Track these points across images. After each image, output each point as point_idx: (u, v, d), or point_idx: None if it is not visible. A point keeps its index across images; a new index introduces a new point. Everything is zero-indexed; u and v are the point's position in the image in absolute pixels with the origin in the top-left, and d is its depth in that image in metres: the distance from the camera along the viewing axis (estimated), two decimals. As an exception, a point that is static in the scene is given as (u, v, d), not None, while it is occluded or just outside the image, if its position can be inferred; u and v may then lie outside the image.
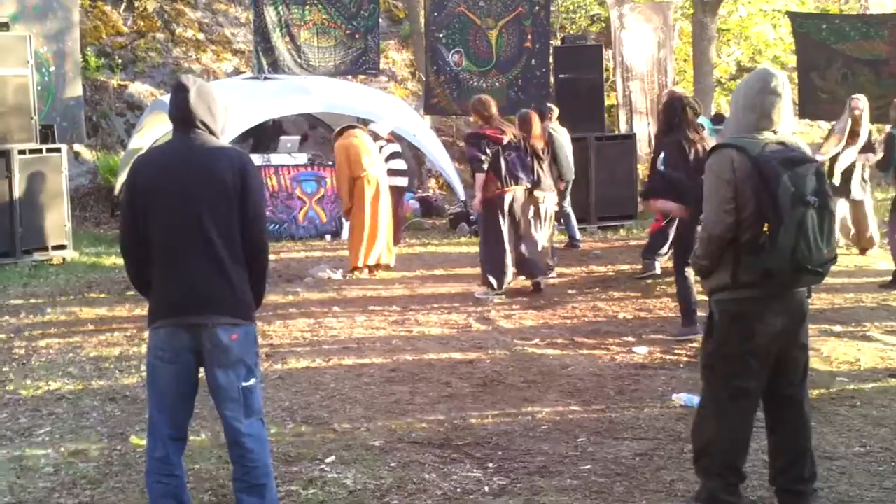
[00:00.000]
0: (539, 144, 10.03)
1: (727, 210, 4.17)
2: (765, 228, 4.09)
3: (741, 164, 4.15)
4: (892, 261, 9.81)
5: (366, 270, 10.87)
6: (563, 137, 12.05)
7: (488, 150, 9.38)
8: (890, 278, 9.71)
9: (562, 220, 12.37)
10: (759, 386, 4.32)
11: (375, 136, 12.66)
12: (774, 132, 4.25)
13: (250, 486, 4.08)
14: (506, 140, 9.46)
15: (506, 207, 9.46)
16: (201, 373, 4.08)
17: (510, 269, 9.58)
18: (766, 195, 4.06)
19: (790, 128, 4.38)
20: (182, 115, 4.04)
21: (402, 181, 12.61)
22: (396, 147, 12.77)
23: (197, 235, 3.95)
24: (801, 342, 4.37)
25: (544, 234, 9.99)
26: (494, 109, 9.69)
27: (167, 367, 3.99)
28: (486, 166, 9.41)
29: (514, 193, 9.50)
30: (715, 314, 4.37)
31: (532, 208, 9.80)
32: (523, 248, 9.65)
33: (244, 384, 4.03)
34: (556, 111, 12.22)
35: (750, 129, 4.26)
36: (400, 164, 12.66)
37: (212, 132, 4.10)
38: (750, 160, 4.12)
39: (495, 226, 9.50)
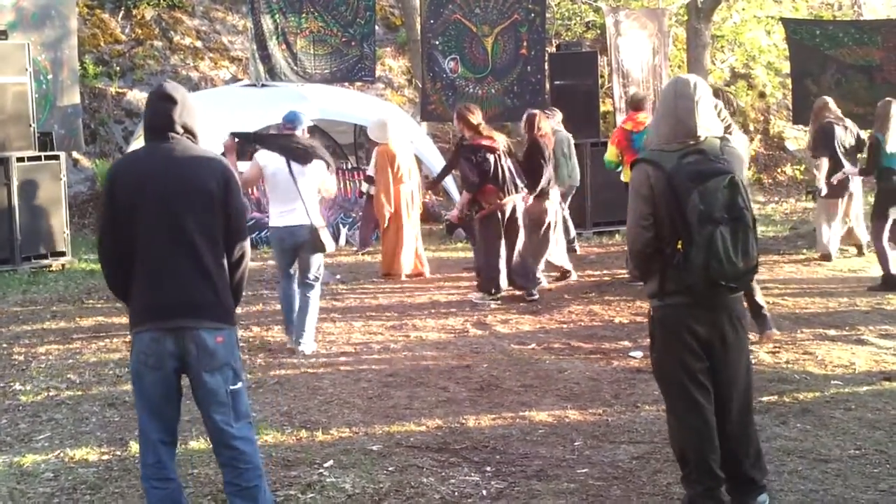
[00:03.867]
0: (550, 145, 10.08)
1: (644, 226, 4.19)
2: (678, 246, 4.12)
3: (657, 179, 4.15)
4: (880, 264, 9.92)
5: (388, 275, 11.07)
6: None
7: (485, 164, 9.35)
8: (880, 282, 9.79)
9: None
10: (707, 386, 4.30)
11: (373, 143, 12.70)
12: (696, 139, 4.24)
13: (242, 489, 4.10)
14: (501, 147, 9.48)
15: (506, 217, 9.50)
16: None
17: (504, 278, 9.65)
18: (678, 213, 4.07)
19: (713, 131, 4.31)
20: (164, 122, 4.08)
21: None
22: None
23: (181, 241, 3.99)
24: (734, 351, 4.33)
25: (559, 238, 10.08)
26: (480, 116, 9.68)
27: (153, 373, 4.00)
28: (476, 187, 9.45)
29: (515, 202, 9.55)
30: (652, 322, 4.44)
31: (538, 215, 9.85)
32: (517, 258, 9.69)
33: (232, 387, 4.07)
34: (558, 114, 12.26)
35: (668, 139, 4.26)
36: None
37: (194, 138, 4.16)
38: (664, 175, 4.12)
39: (493, 238, 9.55)
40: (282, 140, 7.73)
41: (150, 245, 3.98)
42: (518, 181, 9.54)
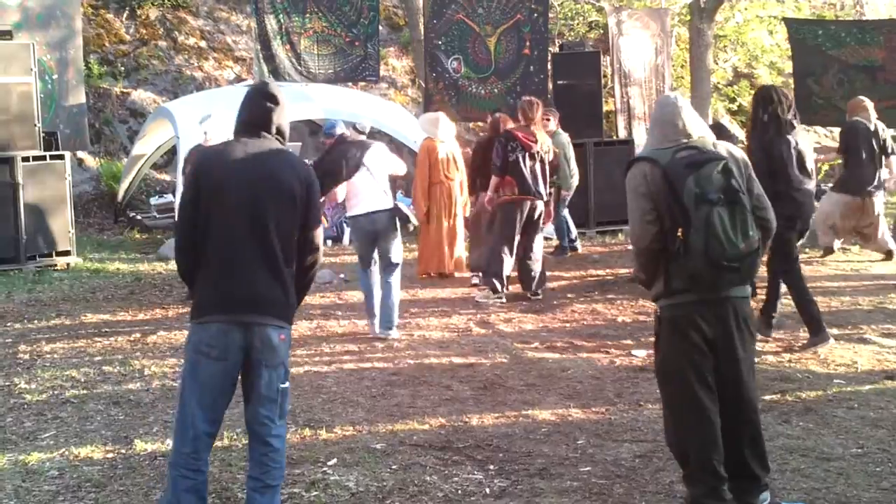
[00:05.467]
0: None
1: (649, 221, 4.28)
2: (679, 234, 4.19)
3: (653, 175, 4.26)
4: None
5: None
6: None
7: (511, 154, 9.36)
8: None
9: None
10: (710, 385, 4.34)
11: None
12: (688, 137, 4.33)
13: (265, 486, 4.13)
14: (535, 149, 9.45)
15: (521, 216, 9.50)
16: None
17: (507, 275, 9.66)
18: (675, 201, 4.17)
19: (703, 134, 4.42)
20: (263, 121, 4.17)
21: None
22: None
23: (258, 236, 4.03)
24: (740, 351, 4.35)
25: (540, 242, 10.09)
26: (539, 115, 9.68)
27: (214, 364, 4.01)
28: (499, 170, 9.45)
29: (531, 204, 9.53)
30: (658, 322, 4.48)
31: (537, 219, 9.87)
32: (529, 261, 9.70)
33: (281, 385, 4.13)
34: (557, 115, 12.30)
35: (661, 141, 4.38)
36: None
37: (283, 140, 4.24)
38: (660, 169, 4.23)
39: (509, 231, 9.53)
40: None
41: (226, 236, 4.03)
42: (540, 188, 9.50)
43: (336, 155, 8.18)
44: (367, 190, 8.11)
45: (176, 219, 4.41)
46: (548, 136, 9.83)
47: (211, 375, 4.03)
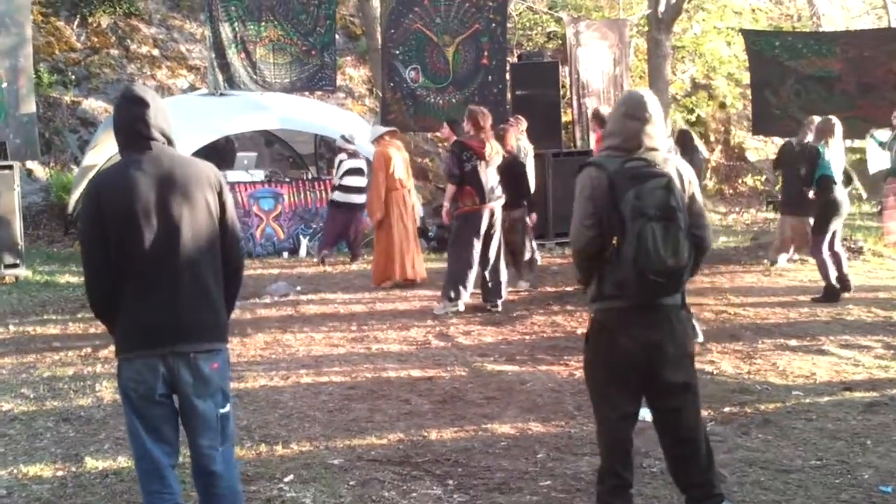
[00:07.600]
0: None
1: (587, 225, 4.32)
2: (614, 242, 4.23)
3: (599, 179, 4.29)
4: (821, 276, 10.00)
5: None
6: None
7: (468, 164, 9.37)
8: (822, 293, 9.87)
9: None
10: (629, 393, 4.38)
11: (338, 150, 12.72)
12: (642, 150, 4.33)
13: None
14: (487, 156, 9.45)
15: (483, 225, 9.47)
16: None
17: (471, 287, 9.61)
18: (614, 209, 4.21)
19: (660, 148, 4.40)
20: (140, 128, 3.79)
21: (360, 199, 12.64)
22: (359, 163, 12.75)
23: (181, 258, 3.73)
24: (673, 358, 4.34)
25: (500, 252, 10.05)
26: (489, 124, 9.64)
27: (148, 400, 3.76)
28: (457, 179, 9.45)
29: (493, 210, 9.53)
30: (590, 324, 4.52)
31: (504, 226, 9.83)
32: (489, 272, 9.66)
33: (221, 411, 3.87)
34: (523, 123, 12.30)
35: (619, 146, 4.39)
36: (359, 181, 12.68)
37: (171, 144, 3.89)
38: (606, 175, 4.27)
39: (468, 241, 9.49)
40: None
41: (146, 263, 3.70)
42: (499, 192, 9.53)
43: None
44: None
45: (81, 254, 4.03)
46: (497, 143, 9.81)
47: (149, 411, 3.78)
